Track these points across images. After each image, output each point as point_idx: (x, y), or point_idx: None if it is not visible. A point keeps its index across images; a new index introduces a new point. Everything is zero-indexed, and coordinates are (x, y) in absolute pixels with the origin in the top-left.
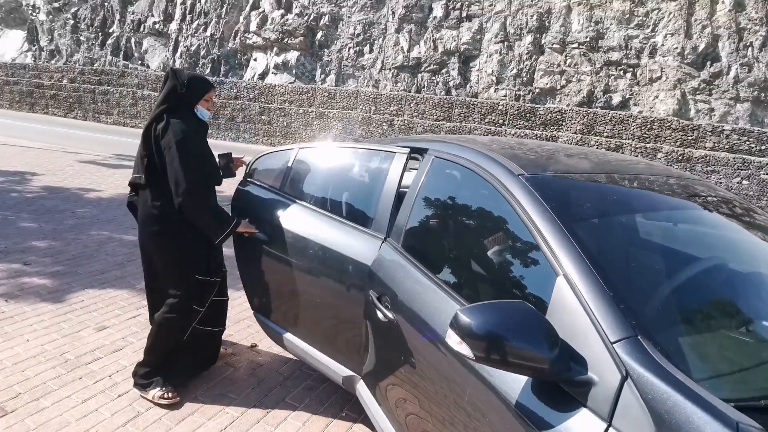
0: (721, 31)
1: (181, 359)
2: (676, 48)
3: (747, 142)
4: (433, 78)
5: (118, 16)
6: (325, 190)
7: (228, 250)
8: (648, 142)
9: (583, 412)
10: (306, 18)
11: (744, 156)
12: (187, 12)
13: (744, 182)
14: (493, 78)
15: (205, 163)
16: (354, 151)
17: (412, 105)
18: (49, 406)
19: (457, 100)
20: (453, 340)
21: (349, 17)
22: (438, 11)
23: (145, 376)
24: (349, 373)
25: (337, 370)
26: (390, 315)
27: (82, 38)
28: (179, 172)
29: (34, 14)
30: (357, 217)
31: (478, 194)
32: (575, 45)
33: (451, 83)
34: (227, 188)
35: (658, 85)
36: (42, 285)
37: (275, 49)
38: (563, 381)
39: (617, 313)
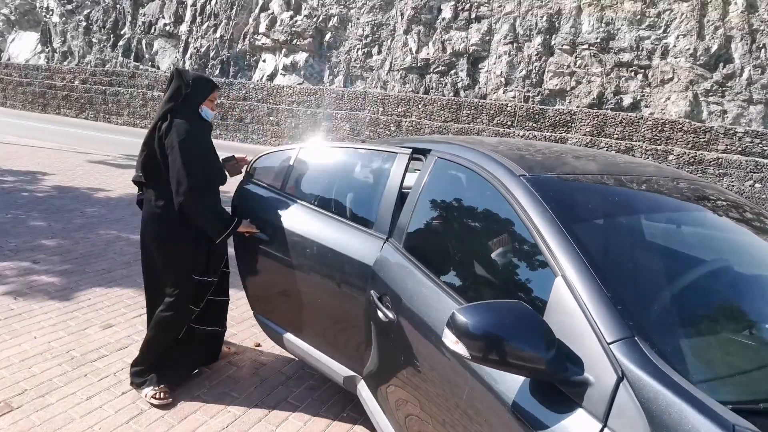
0: (734, 32)
1: (177, 357)
2: (689, 49)
3: (760, 145)
4: (442, 79)
5: (129, 18)
6: (326, 190)
7: (229, 250)
8: (659, 144)
9: (579, 413)
10: (315, 19)
11: (757, 159)
12: (197, 14)
13: (757, 185)
14: (502, 79)
15: (208, 163)
16: (355, 152)
17: (419, 106)
18: (55, 403)
19: (465, 102)
20: (449, 339)
21: (358, 18)
22: (447, 12)
23: (139, 374)
24: (350, 373)
25: (338, 370)
26: (391, 315)
27: (94, 40)
28: (181, 172)
29: (48, 16)
30: (359, 217)
31: (480, 195)
32: (585, 46)
33: (459, 84)
34: (230, 187)
35: (670, 86)
36: (50, 283)
37: (284, 50)
38: (559, 381)
39: (614, 314)
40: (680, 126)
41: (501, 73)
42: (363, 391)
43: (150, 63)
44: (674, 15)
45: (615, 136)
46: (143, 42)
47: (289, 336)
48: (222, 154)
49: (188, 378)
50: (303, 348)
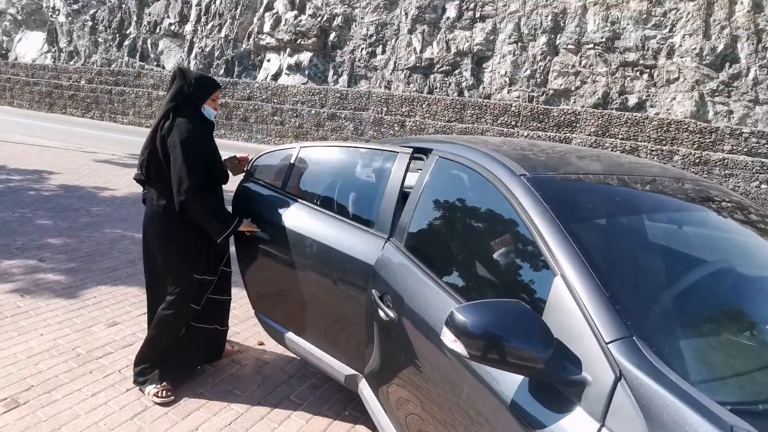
0: (740, 32)
1: (179, 355)
2: (695, 49)
3: (766, 146)
4: (446, 79)
5: (135, 18)
6: (327, 190)
7: (231, 249)
8: (664, 145)
9: (577, 412)
10: (319, 19)
11: (763, 159)
12: (202, 14)
13: (763, 186)
14: (507, 79)
15: (210, 162)
16: (356, 151)
17: (423, 106)
18: (60, 399)
19: (469, 102)
20: (448, 338)
21: (362, 18)
22: (451, 12)
23: (141, 372)
24: (352, 372)
25: (340, 369)
26: (392, 314)
27: (100, 40)
28: (183, 171)
29: (54, 16)
30: (360, 216)
31: (481, 194)
32: (591, 45)
33: (463, 84)
34: (232, 186)
35: (676, 86)
36: (56, 281)
37: (288, 50)
38: (558, 381)
39: (613, 313)
40: (686, 126)
41: (505, 72)
42: (364, 389)
43: (155, 63)
44: (680, 14)
45: (620, 136)
46: (148, 42)
47: (290, 335)
48: (226, 154)
49: (191, 375)
50: (304, 347)
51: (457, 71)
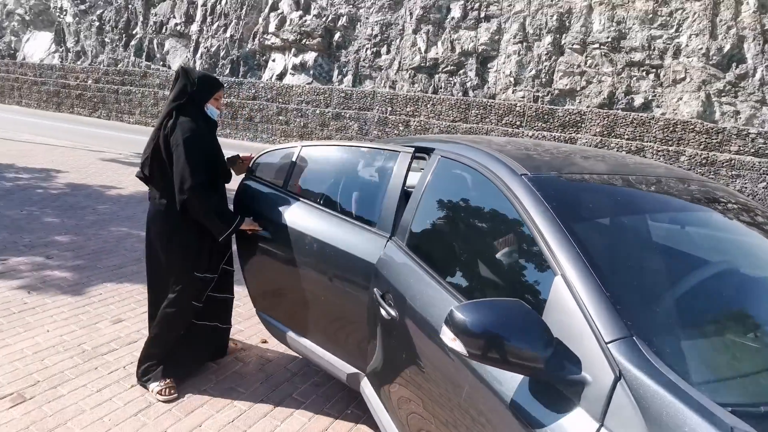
0: (747, 32)
1: (180, 353)
2: (701, 49)
3: None
4: (451, 79)
5: (141, 18)
6: (328, 189)
7: (233, 248)
8: (671, 145)
9: (577, 412)
10: (324, 19)
11: None
12: (208, 14)
13: None
14: (511, 79)
15: (212, 161)
16: (358, 150)
17: (428, 106)
18: (66, 394)
19: (474, 101)
20: (447, 336)
21: (367, 18)
22: (456, 12)
23: (145, 371)
24: (353, 370)
25: (342, 367)
26: (393, 313)
27: (106, 40)
28: (185, 170)
29: (62, 16)
30: (362, 215)
31: (482, 194)
32: (596, 45)
33: (468, 84)
34: (235, 185)
35: (682, 86)
36: (63, 278)
37: (293, 50)
38: (557, 380)
39: (613, 313)
40: (692, 126)
41: (510, 72)
42: (366, 388)
43: (161, 62)
44: (686, 14)
45: (626, 136)
46: (155, 42)
47: (292, 333)
48: (230, 153)
49: (194, 373)
50: (306, 345)
51: (461, 71)
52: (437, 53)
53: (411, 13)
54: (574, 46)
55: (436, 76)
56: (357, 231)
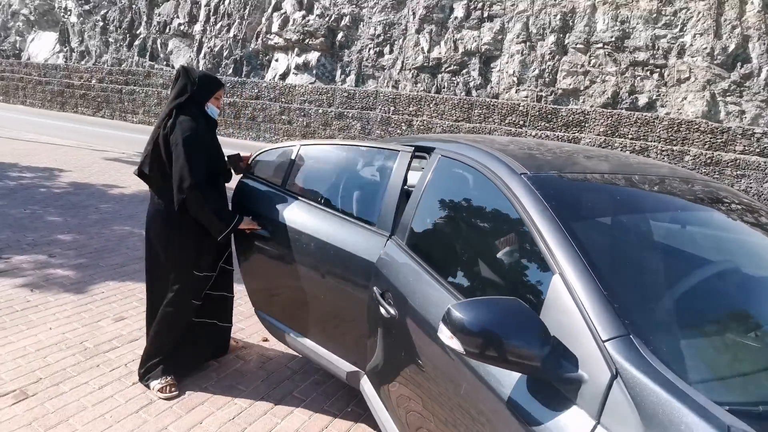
0: (751, 31)
1: (183, 352)
2: (705, 48)
3: None
4: (454, 79)
5: (145, 18)
6: (327, 188)
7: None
8: (675, 145)
9: (573, 410)
10: (327, 19)
11: None
12: (211, 14)
13: None
14: (515, 79)
15: (212, 160)
16: (357, 149)
17: (431, 105)
18: (68, 392)
19: (476, 101)
20: (445, 334)
21: (370, 18)
22: (459, 11)
23: (147, 371)
24: (353, 368)
25: (341, 366)
26: (392, 311)
27: (110, 40)
28: (184, 169)
29: (66, 16)
30: (361, 214)
31: (482, 193)
32: (600, 45)
33: (471, 84)
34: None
35: (687, 86)
36: (65, 276)
37: (296, 49)
38: (554, 378)
39: (610, 311)
40: (696, 126)
41: (513, 72)
42: (366, 386)
43: (165, 62)
44: (691, 14)
45: (629, 136)
46: (158, 42)
47: (291, 332)
48: (231, 152)
49: (195, 371)
50: (306, 344)
51: (464, 71)
52: (440, 53)
53: (414, 13)
54: (578, 46)
55: (439, 75)
56: (357, 230)
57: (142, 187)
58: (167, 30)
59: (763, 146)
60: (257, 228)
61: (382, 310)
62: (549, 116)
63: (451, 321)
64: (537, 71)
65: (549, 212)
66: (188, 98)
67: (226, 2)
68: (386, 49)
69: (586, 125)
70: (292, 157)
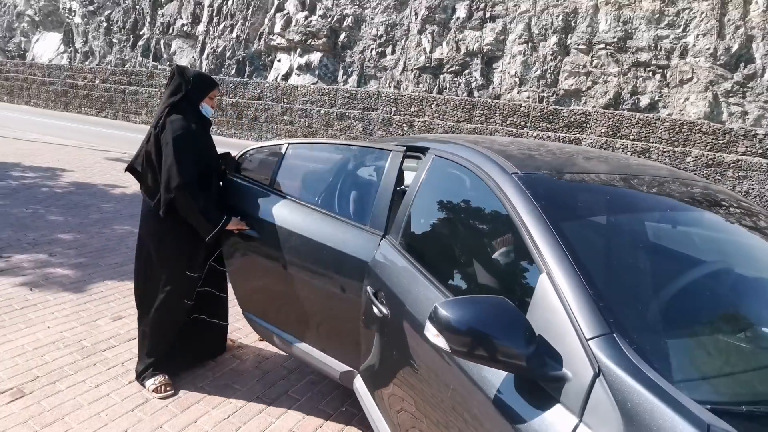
0: (755, 32)
1: (179, 351)
2: (708, 49)
3: None
4: (455, 79)
5: (148, 19)
6: (318, 187)
7: None
8: (677, 146)
9: (557, 408)
10: (329, 19)
11: None
12: (214, 14)
13: None
14: (517, 79)
15: (203, 160)
16: (346, 149)
17: (432, 106)
18: (64, 390)
19: (478, 102)
20: (431, 332)
21: (372, 18)
22: (461, 12)
23: (143, 369)
24: (347, 368)
25: (334, 366)
26: (385, 310)
27: (114, 40)
28: (172, 168)
29: (70, 17)
30: (353, 214)
31: (475, 193)
32: (602, 45)
33: (473, 84)
34: None
35: (689, 86)
36: (65, 275)
37: (299, 50)
38: (539, 377)
39: (595, 310)
40: (698, 127)
41: (515, 73)
42: (359, 386)
43: (168, 63)
44: (694, 14)
45: (631, 137)
46: (161, 42)
47: (282, 333)
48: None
49: (191, 369)
50: (297, 345)
51: (466, 71)
52: (442, 53)
53: (416, 14)
54: (580, 47)
55: (441, 76)
56: (349, 230)
57: None
58: (170, 31)
59: (765, 147)
60: (245, 228)
61: (375, 310)
62: (550, 117)
63: (437, 319)
64: (539, 72)
65: (538, 211)
66: (182, 97)
67: (229, 3)
68: (388, 50)
69: (588, 126)
70: (281, 157)
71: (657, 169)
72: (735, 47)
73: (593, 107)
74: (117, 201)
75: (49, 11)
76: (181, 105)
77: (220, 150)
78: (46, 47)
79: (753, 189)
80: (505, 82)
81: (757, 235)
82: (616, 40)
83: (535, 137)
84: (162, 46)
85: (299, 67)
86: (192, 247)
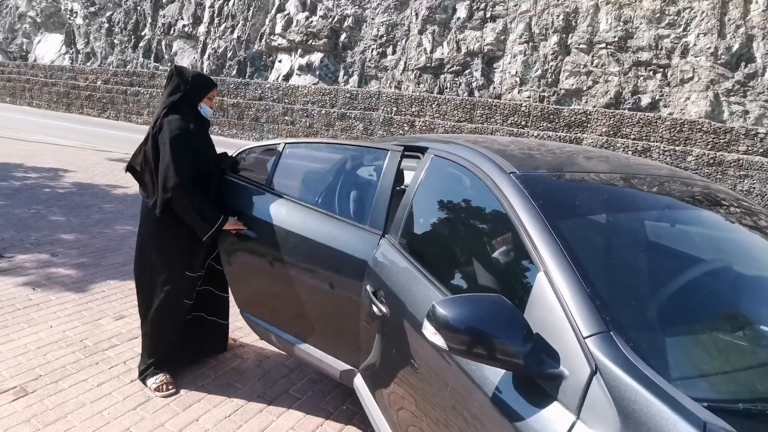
0: (756, 31)
1: (181, 350)
2: (709, 48)
3: None
4: (456, 79)
5: (149, 20)
6: (316, 187)
7: None
8: (677, 145)
9: (555, 406)
10: (330, 20)
11: None
12: (215, 15)
13: None
14: (517, 79)
15: (201, 160)
16: (345, 149)
17: (433, 106)
18: (67, 389)
19: (479, 102)
20: (429, 331)
21: (373, 19)
22: (461, 12)
23: (145, 368)
24: (347, 367)
25: (335, 365)
26: (384, 309)
27: (116, 41)
28: (169, 168)
29: (72, 18)
30: (352, 213)
31: (473, 192)
32: (603, 45)
33: (474, 84)
34: None
35: (690, 86)
36: (67, 275)
37: (300, 50)
38: (537, 375)
39: (592, 308)
40: (699, 126)
41: (516, 72)
42: (359, 384)
43: (169, 63)
44: (694, 13)
45: (632, 136)
46: (163, 43)
47: (280, 333)
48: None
49: (193, 368)
50: (296, 344)
51: (467, 71)
52: (443, 53)
53: (417, 14)
54: (581, 46)
55: (442, 76)
56: (348, 229)
57: None
58: (172, 31)
59: (766, 146)
60: (242, 228)
61: (375, 308)
62: (551, 117)
63: (435, 317)
64: (540, 71)
65: (535, 210)
66: (181, 98)
67: (230, 4)
68: (389, 50)
69: (589, 125)
70: (278, 156)
71: (656, 168)
72: (736, 46)
73: (594, 107)
74: (119, 201)
75: (50, 12)
76: (180, 105)
77: (220, 150)
78: (48, 48)
79: (754, 188)
80: (505, 82)
81: (753, 233)
82: (616, 39)
83: (536, 137)
84: (163, 47)
85: (300, 68)
86: (191, 247)
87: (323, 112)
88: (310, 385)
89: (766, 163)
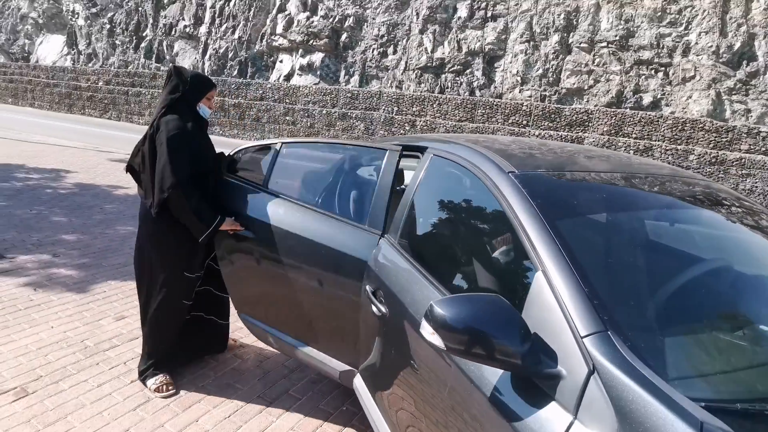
0: (757, 29)
1: (180, 350)
2: (711, 46)
3: None
4: (457, 79)
5: (151, 21)
6: (314, 187)
7: None
8: (679, 144)
9: (552, 405)
10: (331, 20)
11: None
12: (216, 15)
13: None
14: (518, 78)
15: (198, 161)
16: (343, 149)
17: (434, 106)
18: (67, 389)
19: (480, 101)
20: (426, 330)
21: (374, 19)
22: (462, 11)
23: (144, 369)
24: (346, 367)
25: (334, 365)
26: (383, 309)
27: (117, 42)
28: (166, 168)
29: (74, 19)
30: (351, 213)
31: (472, 191)
32: (604, 44)
33: (475, 84)
34: None
35: (692, 84)
36: (68, 276)
37: (300, 50)
38: (534, 374)
39: (589, 308)
40: (701, 125)
41: (517, 72)
42: (359, 385)
43: (171, 64)
44: (696, 12)
45: (633, 135)
46: (164, 44)
47: (279, 334)
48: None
49: (193, 369)
50: (296, 345)
51: (468, 71)
52: (444, 53)
53: (417, 13)
54: (582, 45)
55: (443, 75)
56: (347, 229)
57: None
58: (173, 32)
59: None
60: (240, 228)
61: (374, 308)
62: (552, 116)
63: (433, 317)
64: (541, 71)
65: (534, 210)
66: (179, 98)
67: (231, 4)
68: (390, 50)
69: (590, 125)
70: (275, 156)
71: (657, 167)
72: (737, 45)
73: (595, 106)
74: (120, 202)
75: (52, 13)
76: (178, 105)
77: (219, 151)
78: (50, 49)
79: (757, 187)
80: (506, 81)
81: (754, 233)
82: (618, 38)
83: (537, 136)
84: (164, 48)
85: (301, 68)
86: (190, 247)
87: (324, 112)
88: (310, 386)
89: None
